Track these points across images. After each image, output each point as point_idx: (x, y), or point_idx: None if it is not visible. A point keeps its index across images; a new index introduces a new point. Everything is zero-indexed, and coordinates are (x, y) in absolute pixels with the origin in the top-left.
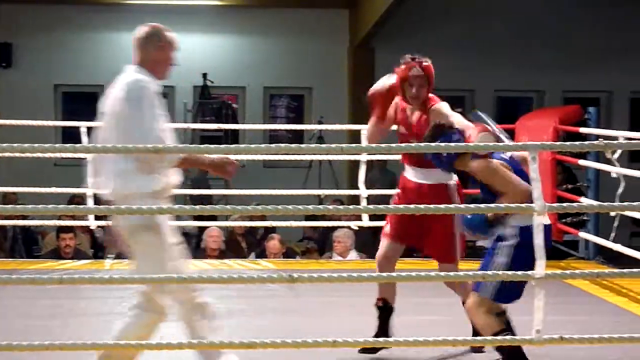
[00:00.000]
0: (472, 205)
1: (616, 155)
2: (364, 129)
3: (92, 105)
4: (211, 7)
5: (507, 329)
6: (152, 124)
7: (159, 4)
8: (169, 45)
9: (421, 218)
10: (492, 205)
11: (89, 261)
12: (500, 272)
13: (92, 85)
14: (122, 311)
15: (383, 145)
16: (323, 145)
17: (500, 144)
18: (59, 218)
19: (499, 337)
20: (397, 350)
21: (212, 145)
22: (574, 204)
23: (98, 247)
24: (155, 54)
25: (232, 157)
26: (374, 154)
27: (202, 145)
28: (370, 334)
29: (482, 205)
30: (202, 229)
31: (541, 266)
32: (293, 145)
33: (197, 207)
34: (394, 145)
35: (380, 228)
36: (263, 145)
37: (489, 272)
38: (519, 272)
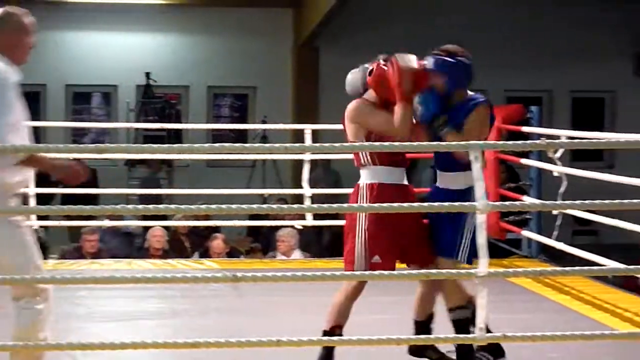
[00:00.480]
0: (416, 205)
1: (558, 154)
2: (308, 128)
3: (32, 105)
4: (154, 5)
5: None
6: (5, 118)
7: (101, 3)
8: (24, 28)
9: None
10: (436, 204)
11: None
12: (452, 271)
13: (30, 84)
14: (67, 311)
15: (326, 144)
16: (267, 145)
17: (442, 143)
18: None
19: (442, 336)
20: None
21: (155, 145)
22: (517, 203)
23: (41, 247)
24: (10, 39)
25: (176, 156)
26: (318, 154)
27: (145, 145)
28: (314, 333)
29: (425, 204)
30: (146, 229)
31: (484, 264)
32: (237, 144)
33: (140, 206)
34: (337, 144)
35: (323, 227)
36: (206, 145)
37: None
38: (463, 271)
